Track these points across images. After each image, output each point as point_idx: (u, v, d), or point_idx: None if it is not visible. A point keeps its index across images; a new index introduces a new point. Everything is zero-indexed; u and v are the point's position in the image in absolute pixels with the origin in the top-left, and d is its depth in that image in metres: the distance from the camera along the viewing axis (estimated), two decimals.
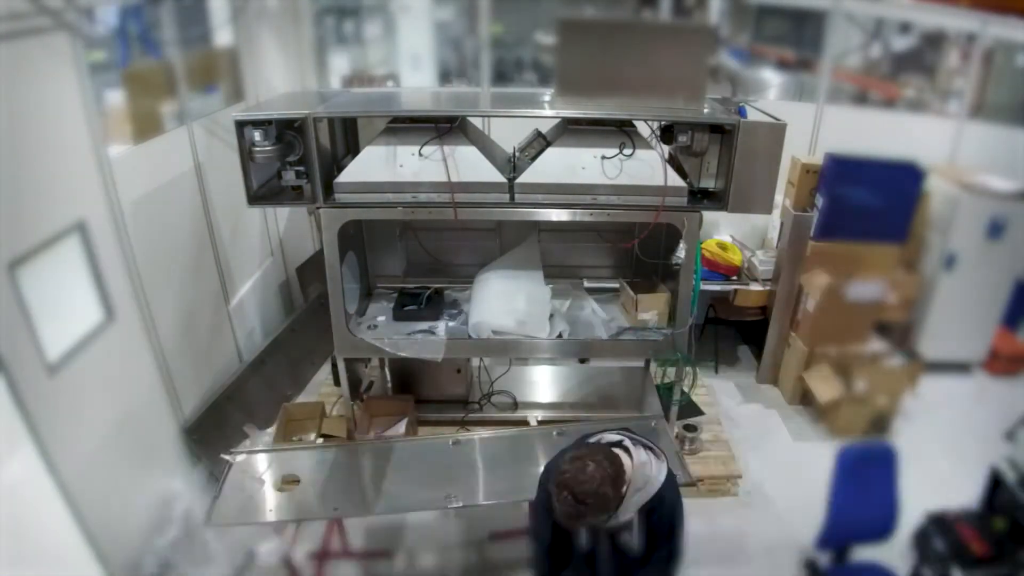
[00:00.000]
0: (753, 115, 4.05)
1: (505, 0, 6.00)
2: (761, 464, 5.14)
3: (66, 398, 3.55)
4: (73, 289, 3.71)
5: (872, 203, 5.48)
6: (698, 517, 4.51)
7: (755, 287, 5.92)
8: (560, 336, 4.52)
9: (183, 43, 4.56)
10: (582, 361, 5.85)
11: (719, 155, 4.08)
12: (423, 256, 5.10)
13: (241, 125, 3.76)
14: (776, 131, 3.82)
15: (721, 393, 5.95)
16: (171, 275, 4.59)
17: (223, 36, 5.29)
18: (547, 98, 4.13)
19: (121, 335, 4.00)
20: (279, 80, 5.75)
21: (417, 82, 6.36)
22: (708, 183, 4.21)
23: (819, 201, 5.63)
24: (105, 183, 3.85)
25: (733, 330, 6.51)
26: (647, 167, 4.00)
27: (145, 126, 4.40)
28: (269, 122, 3.73)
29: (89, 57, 3.77)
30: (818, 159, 5.66)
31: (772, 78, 6.45)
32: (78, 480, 3.59)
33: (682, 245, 4.12)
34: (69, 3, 3.38)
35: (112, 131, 4.07)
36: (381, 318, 4.72)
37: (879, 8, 5.83)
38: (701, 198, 4.18)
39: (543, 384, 5.68)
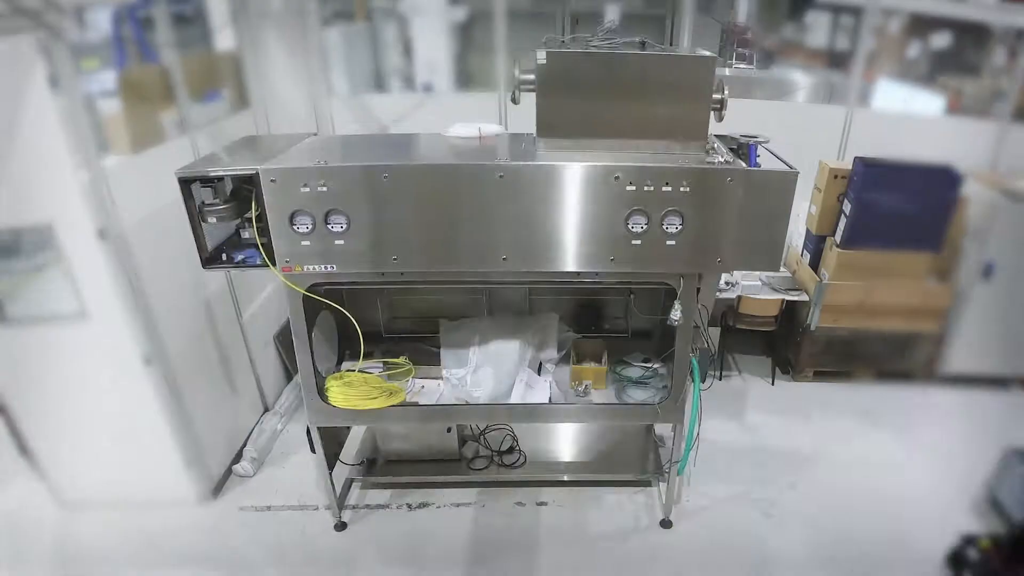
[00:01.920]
0: (764, 156, 3.70)
1: None
2: (780, 476, 4.94)
3: (65, 425, 3.40)
4: (66, 307, 3.56)
5: (904, 209, 5.28)
6: (719, 527, 4.50)
7: (764, 296, 5.70)
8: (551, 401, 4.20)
9: (181, 46, 4.36)
10: None
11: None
12: (406, 310, 4.79)
13: (187, 183, 3.35)
14: (786, 181, 3.33)
15: (736, 401, 5.76)
16: (176, 292, 4.40)
17: (224, 39, 5.09)
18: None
19: (123, 352, 3.85)
20: (287, 86, 5.55)
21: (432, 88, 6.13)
22: None
23: (847, 207, 5.41)
24: (100, 195, 3.67)
25: (747, 338, 6.20)
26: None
27: (144, 135, 4.20)
28: (220, 178, 3.38)
29: (84, 65, 3.61)
30: (847, 164, 5.43)
31: (801, 79, 6.20)
32: (78, 509, 3.45)
33: (677, 305, 3.72)
34: (49, 3, 3.19)
35: (108, 140, 3.90)
36: None
37: (917, 3, 5.55)
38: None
39: (540, 439, 5.14)
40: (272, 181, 3.23)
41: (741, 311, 5.72)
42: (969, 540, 3.63)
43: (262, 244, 3.58)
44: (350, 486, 4.83)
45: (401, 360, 4.36)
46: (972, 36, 5.43)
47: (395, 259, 3.43)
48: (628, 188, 3.30)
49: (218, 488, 4.79)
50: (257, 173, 3.23)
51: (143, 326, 4.00)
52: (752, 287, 5.77)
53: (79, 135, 3.48)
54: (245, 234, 3.61)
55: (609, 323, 4.86)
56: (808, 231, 5.85)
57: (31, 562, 3.90)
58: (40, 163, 3.42)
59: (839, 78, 5.85)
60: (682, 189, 3.34)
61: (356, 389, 3.96)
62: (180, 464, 4.44)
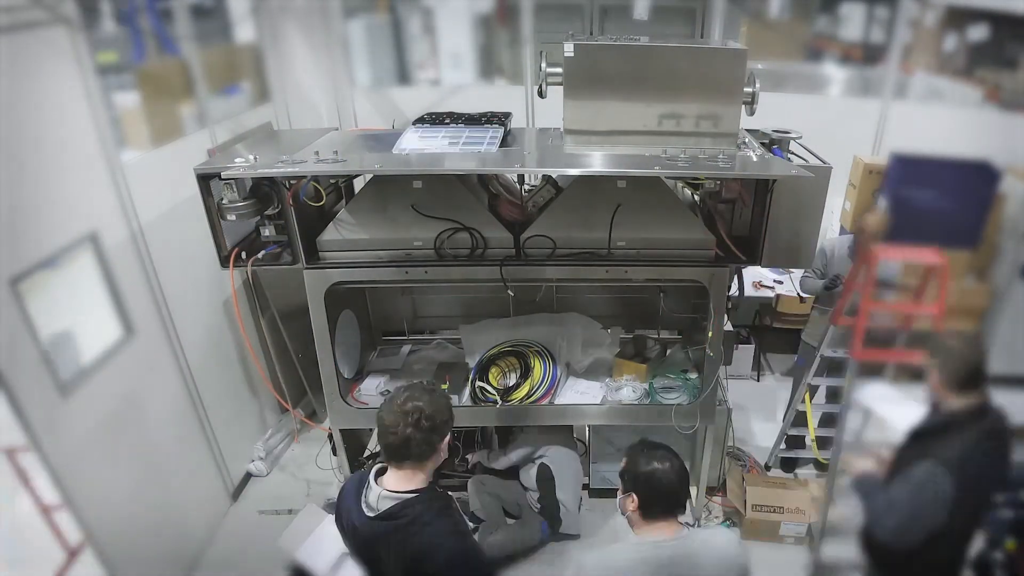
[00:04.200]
0: (796, 152, 3.66)
1: None
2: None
3: (81, 421, 3.30)
4: (87, 304, 3.46)
5: (940, 206, 5.13)
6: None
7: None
8: None
9: (200, 39, 4.26)
10: None
11: (753, 199, 3.59)
12: (430, 308, 4.73)
13: (205, 179, 3.33)
14: (819, 175, 3.32)
15: (770, 402, 5.62)
16: (196, 286, 4.32)
17: (244, 32, 4.99)
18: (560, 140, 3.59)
19: (142, 351, 3.75)
20: (309, 79, 5.44)
21: (458, 81, 6.01)
22: (742, 231, 3.76)
23: (882, 203, 5.26)
24: (119, 191, 3.58)
25: (782, 337, 6.07)
26: (670, 216, 3.59)
27: (162, 129, 4.11)
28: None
29: (102, 58, 3.53)
30: (882, 159, 5.26)
31: (835, 73, 6.04)
32: (97, 511, 3.37)
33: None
34: None
35: (127, 134, 3.82)
36: (383, 381, 4.33)
37: None
38: (732, 249, 3.69)
39: None
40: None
41: (779, 310, 5.61)
42: (995, 543, 3.50)
43: (281, 242, 3.56)
44: None
45: None
46: (1010, 28, 5.26)
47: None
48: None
49: (238, 491, 4.72)
50: None
51: (163, 327, 3.93)
52: (789, 286, 5.64)
53: (102, 132, 3.40)
54: (266, 230, 3.54)
55: (639, 323, 4.73)
56: (842, 228, 5.70)
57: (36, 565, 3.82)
58: (75, 166, 3.33)
59: (874, 71, 5.69)
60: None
61: None
62: (201, 467, 4.39)
